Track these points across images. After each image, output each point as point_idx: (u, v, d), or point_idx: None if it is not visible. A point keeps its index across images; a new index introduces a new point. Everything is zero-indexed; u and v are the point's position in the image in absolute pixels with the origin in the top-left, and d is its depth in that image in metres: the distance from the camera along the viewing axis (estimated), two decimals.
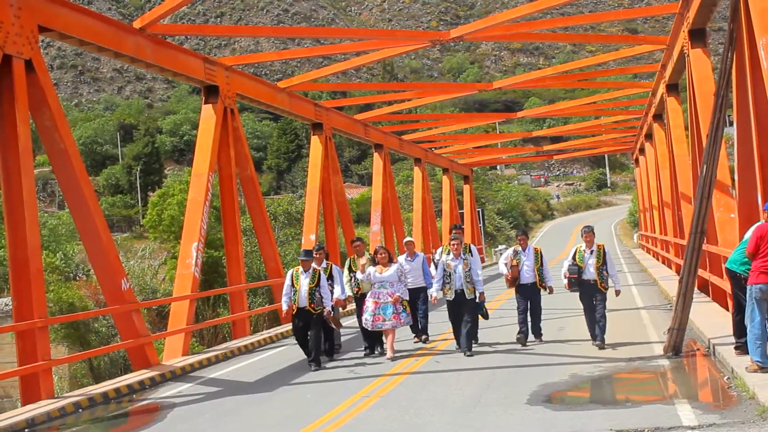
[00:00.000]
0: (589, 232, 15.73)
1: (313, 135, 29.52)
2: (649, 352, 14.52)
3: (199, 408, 13.26)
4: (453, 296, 15.83)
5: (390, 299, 16.19)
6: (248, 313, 23.29)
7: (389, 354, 16.11)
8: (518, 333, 16.65)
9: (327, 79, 32.88)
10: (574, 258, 15.67)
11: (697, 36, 20.64)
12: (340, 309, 17.46)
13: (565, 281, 15.81)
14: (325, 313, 15.88)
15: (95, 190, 20.34)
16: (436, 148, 47.07)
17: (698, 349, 14.62)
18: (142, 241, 60.56)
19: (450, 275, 15.82)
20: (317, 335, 15.94)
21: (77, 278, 39.59)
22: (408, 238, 19.22)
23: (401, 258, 18.02)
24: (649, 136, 38.02)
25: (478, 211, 59.24)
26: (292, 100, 27.42)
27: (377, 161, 36.56)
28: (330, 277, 16.38)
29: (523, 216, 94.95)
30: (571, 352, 15.11)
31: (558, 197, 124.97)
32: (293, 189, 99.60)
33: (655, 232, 40.02)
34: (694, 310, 14.89)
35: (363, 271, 16.88)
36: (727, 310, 16.08)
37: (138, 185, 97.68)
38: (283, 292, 16.16)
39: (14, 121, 14.61)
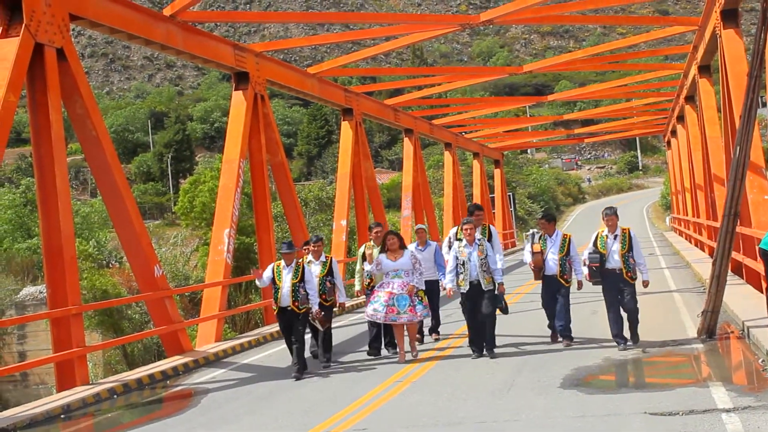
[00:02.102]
0: (611, 215, 13.84)
1: (343, 120, 29.58)
2: (682, 335, 14.42)
3: (233, 393, 13.36)
4: (468, 288, 13.91)
5: (404, 290, 14.35)
6: None
7: (402, 356, 14.52)
8: (552, 335, 14.91)
9: (357, 64, 32.86)
10: (595, 244, 13.83)
11: (729, 16, 20.47)
12: (336, 309, 15.88)
13: (586, 271, 13.98)
14: (313, 313, 14.21)
15: (127, 178, 20.40)
16: (466, 133, 46.98)
17: (732, 332, 14.54)
18: (174, 228, 61.04)
19: (464, 264, 13.89)
20: (300, 337, 14.17)
21: (110, 265, 39.89)
22: (420, 225, 17.42)
23: (411, 246, 15.87)
24: (681, 118, 37.74)
25: (509, 196, 59.10)
26: (322, 85, 27.44)
27: (407, 146, 36.55)
28: (330, 273, 14.92)
29: (555, 200, 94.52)
30: (604, 336, 14.96)
31: (589, 180, 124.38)
32: (324, 175, 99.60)
33: (687, 215, 39.76)
34: (727, 293, 14.78)
35: (371, 262, 14.87)
36: (761, 292, 15.92)
37: (169, 172, 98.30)
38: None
39: (47, 109, 14.71)
